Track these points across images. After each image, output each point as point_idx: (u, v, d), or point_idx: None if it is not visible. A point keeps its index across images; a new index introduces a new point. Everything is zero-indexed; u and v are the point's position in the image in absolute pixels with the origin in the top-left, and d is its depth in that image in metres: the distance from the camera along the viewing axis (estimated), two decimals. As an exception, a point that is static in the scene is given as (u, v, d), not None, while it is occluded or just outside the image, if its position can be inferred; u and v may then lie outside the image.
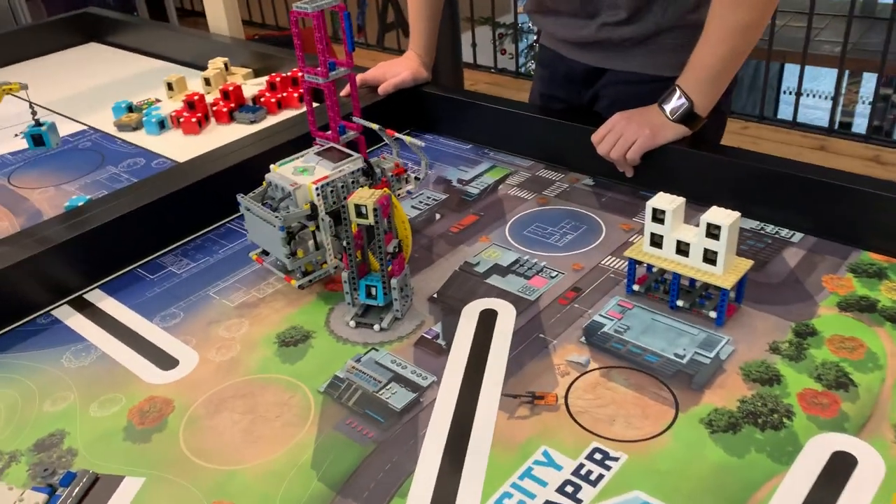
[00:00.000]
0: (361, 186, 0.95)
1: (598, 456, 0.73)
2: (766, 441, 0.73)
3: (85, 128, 1.56)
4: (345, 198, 0.94)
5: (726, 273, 0.86)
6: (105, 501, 0.72)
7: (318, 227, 0.94)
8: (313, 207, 0.92)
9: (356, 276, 0.92)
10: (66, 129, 1.56)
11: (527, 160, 1.30)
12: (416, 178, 1.07)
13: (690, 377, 0.81)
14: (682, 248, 0.88)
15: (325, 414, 0.80)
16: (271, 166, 1.00)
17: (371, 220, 0.87)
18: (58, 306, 1.00)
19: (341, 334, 0.91)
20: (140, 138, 1.49)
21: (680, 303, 0.90)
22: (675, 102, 1.12)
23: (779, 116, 3.48)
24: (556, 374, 0.83)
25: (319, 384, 0.84)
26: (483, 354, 0.86)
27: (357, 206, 0.87)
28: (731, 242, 0.85)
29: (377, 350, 0.88)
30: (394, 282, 0.91)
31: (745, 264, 0.88)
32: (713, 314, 0.88)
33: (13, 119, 1.63)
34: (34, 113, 1.08)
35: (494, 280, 0.99)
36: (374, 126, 1.07)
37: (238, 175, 1.19)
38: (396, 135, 1.06)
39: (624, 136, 1.13)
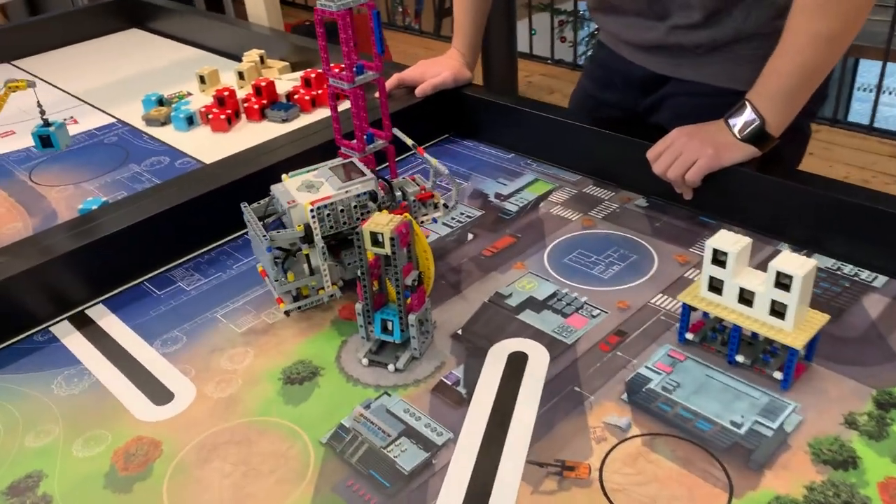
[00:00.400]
0: (369, 211, 0.86)
1: (633, 549, 0.62)
2: (838, 544, 0.61)
3: (113, 121, 1.50)
4: (345, 222, 0.87)
5: (797, 330, 0.74)
6: (73, 563, 0.64)
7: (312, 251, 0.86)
8: (307, 229, 0.83)
9: (371, 309, 0.82)
10: (94, 121, 1.50)
11: (574, 174, 1.19)
12: (445, 206, 0.96)
13: (749, 452, 0.70)
14: (746, 297, 0.76)
15: (325, 471, 0.71)
16: (283, 176, 0.91)
17: (388, 250, 0.77)
18: (57, 322, 0.93)
19: (352, 373, 0.82)
20: (167, 134, 1.42)
21: (740, 358, 0.78)
22: (745, 119, 0.99)
23: (853, 119, 3.26)
24: (590, 439, 0.72)
25: (322, 433, 0.75)
26: (508, 409, 0.76)
27: (373, 234, 0.77)
28: (805, 294, 0.73)
29: (389, 395, 0.79)
30: (412, 318, 0.81)
31: (820, 319, 0.75)
32: (778, 375, 0.76)
33: (49, 108, 1.58)
34: (42, 112, 1.01)
35: (527, 316, 0.88)
36: (409, 141, 0.97)
37: (260, 182, 1.10)
38: (425, 155, 0.96)
39: (684, 154, 1.01)
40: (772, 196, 0.99)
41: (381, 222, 0.77)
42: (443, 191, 1.01)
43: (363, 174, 0.89)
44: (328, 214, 0.85)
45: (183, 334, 0.90)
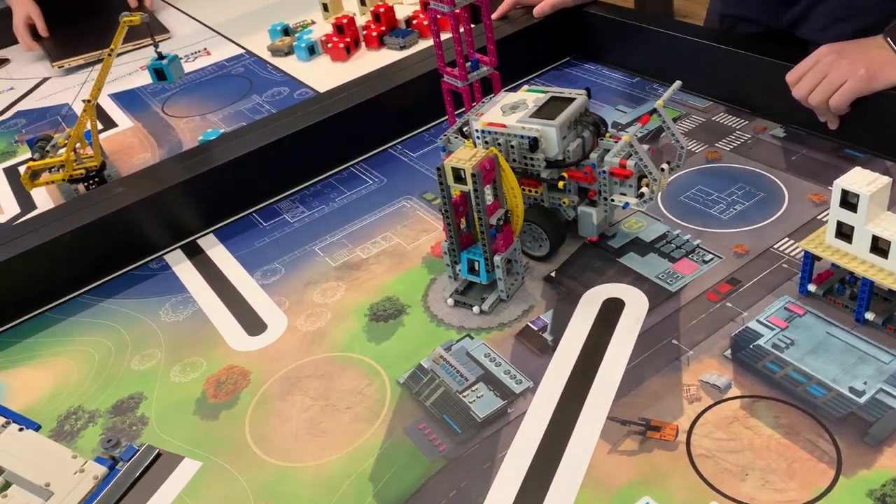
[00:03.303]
0: (531, 158, 0.78)
1: (715, 523, 0.56)
2: (966, 541, 0.52)
3: (242, 52, 1.53)
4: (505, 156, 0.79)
5: (942, 287, 0.63)
6: (160, 482, 0.68)
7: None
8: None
9: (457, 248, 0.79)
10: (224, 52, 1.54)
11: (705, 100, 1.07)
12: (642, 197, 0.77)
13: (867, 425, 0.61)
14: (881, 247, 0.65)
15: (399, 411, 0.70)
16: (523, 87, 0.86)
17: (469, 187, 0.73)
18: (171, 251, 0.98)
19: (437, 313, 0.80)
20: (290, 64, 1.43)
21: (870, 316, 0.68)
22: None
23: None
24: (682, 399, 0.66)
25: (401, 373, 0.73)
26: (596, 359, 0.71)
27: (455, 170, 0.73)
28: (955, 246, 0.61)
29: (472, 338, 0.76)
30: (497, 259, 0.77)
31: (975, 275, 0.63)
32: (916, 338, 0.65)
33: (185, 41, 1.65)
34: (156, 46, 1.04)
35: (630, 260, 0.82)
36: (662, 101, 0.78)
37: (367, 111, 1.09)
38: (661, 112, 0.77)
39: (830, 75, 0.87)
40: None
41: (464, 157, 0.73)
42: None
43: (550, 119, 0.77)
44: (486, 143, 0.80)
45: (282, 266, 0.91)
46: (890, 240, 0.64)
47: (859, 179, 0.65)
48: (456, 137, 0.84)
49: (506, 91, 0.86)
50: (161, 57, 1.02)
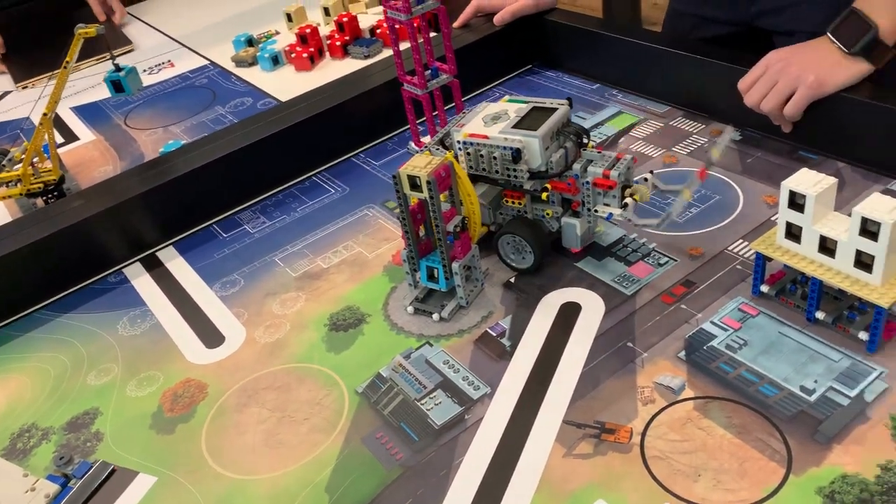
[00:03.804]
0: (513, 169, 0.77)
1: (667, 524, 0.56)
2: (911, 535, 0.53)
3: (206, 63, 1.53)
4: (483, 168, 0.79)
5: (886, 284, 0.64)
6: (114, 499, 0.67)
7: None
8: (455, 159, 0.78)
9: (416, 256, 0.79)
10: (189, 64, 1.53)
11: (662, 105, 1.09)
12: (625, 208, 0.75)
13: (817, 423, 0.61)
14: (828, 247, 0.66)
15: (357, 421, 0.69)
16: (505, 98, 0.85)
17: (425, 195, 0.73)
18: (130, 264, 0.97)
19: (397, 321, 0.80)
20: (253, 75, 1.43)
21: (820, 315, 0.69)
22: (852, 29, 0.85)
23: None
24: (637, 401, 0.66)
25: (360, 382, 0.73)
26: (552, 363, 0.71)
27: (410, 177, 0.73)
28: (898, 244, 0.62)
29: (431, 345, 0.76)
30: (456, 265, 0.77)
31: (919, 272, 0.64)
32: (864, 335, 0.66)
33: (150, 52, 1.64)
34: (112, 58, 1.03)
35: (587, 264, 0.82)
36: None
37: (330, 120, 1.09)
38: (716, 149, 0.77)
39: (780, 82, 0.88)
40: (884, 125, 0.86)
41: (419, 164, 0.73)
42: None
43: (533, 130, 0.76)
44: (468, 154, 0.79)
45: (241, 277, 0.90)
46: (836, 239, 0.65)
47: (806, 181, 0.66)
48: (437, 149, 0.83)
49: (487, 102, 0.85)
50: (118, 69, 1.01)
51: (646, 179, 0.77)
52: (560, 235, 0.82)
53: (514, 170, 0.77)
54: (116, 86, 1.01)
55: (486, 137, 0.77)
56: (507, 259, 0.83)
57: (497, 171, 0.78)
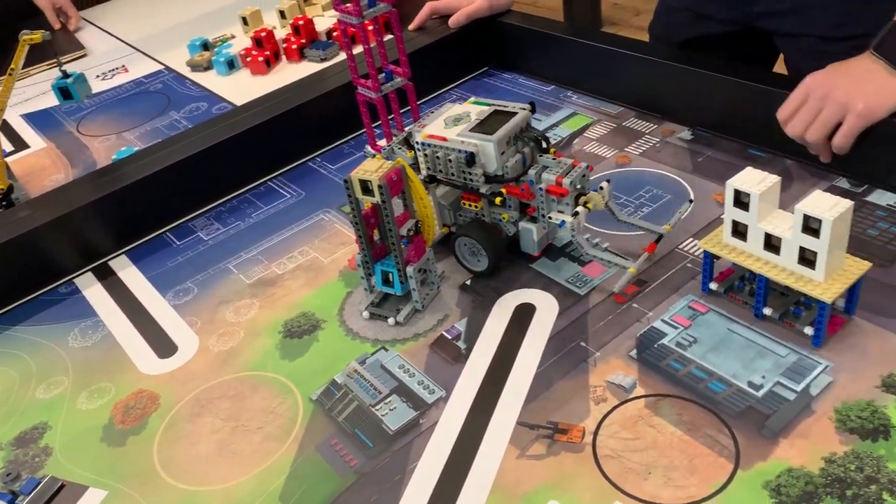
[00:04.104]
0: (469, 173, 0.77)
1: (618, 522, 0.57)
2: (854, 525, 0.54)
3: (161, 68, 1.51)
4: (440, 169, 0.78)
5: (829, 280, 0.65)
6: (63, 515, 0.65)
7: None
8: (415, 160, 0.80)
9: (371, 260, 0.78)
10: (143, 69, 1.51)
11: (616, 106, 1.10)
12: (575, 216, 0.75)
13: (764, 418, 0.62)
14: (773, 244, 0.67)
15: (311, 429, 0.69)
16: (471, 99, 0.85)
17: (377, 199, 0.72)
18: (81, 274, 0.95)
19: (353, 326, 0.79)
20: (209, 79, 1.41)
21: (768, 311, 0.70)
22: None
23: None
24: (589, 400, 0.67)
25: (315, 388, 0.73)
26: (507, 365, 0.71)
27: (362, 182, 0.73)
28: (839, 240, 0.64)
29: (387, 350, 0.76)
30: (410, 269, 0.77)
31: (860, 267, 0.66)
32: (809, 330, 0.68)
33: (103, 57, 1.61)
34: (60, 64, 1.01)
35: (542, 265, 0.82)
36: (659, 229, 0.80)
37: (285, 124, 1.08)
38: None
39: (825, 111, 0.80)
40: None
41: (371, 168, 0.73)
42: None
43: (489, 134, 0.75)
44: (426, 155, 0.78)
45: (195, 285, 0.89)
46: (781, 236, 0.66)
47: (750, 179, 0.67)
48: (399, 148, 0.83)
49: (451, 103, 0.84)
50: (66, 75, 0.99)
51: (601, 188, 0.77)
52: (518, 239, 0.82)
53: (470, 173, 0.77)
54: (64, 92, 0.99)
55: (444, 139, 0.77)
56: (463, 261, 0.83)
57: (453, 174, 0.78)
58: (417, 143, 0.79)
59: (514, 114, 0.78)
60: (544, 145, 0.78)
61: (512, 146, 0.77)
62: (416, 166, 0.80)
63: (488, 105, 0.81)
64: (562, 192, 0.74)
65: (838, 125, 0.80)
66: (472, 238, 0.80)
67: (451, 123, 0.79)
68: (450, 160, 0.77)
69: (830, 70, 0.82)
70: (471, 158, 0.76)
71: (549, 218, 0.77)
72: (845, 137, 0.80)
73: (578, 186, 0.75)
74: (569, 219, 0.75)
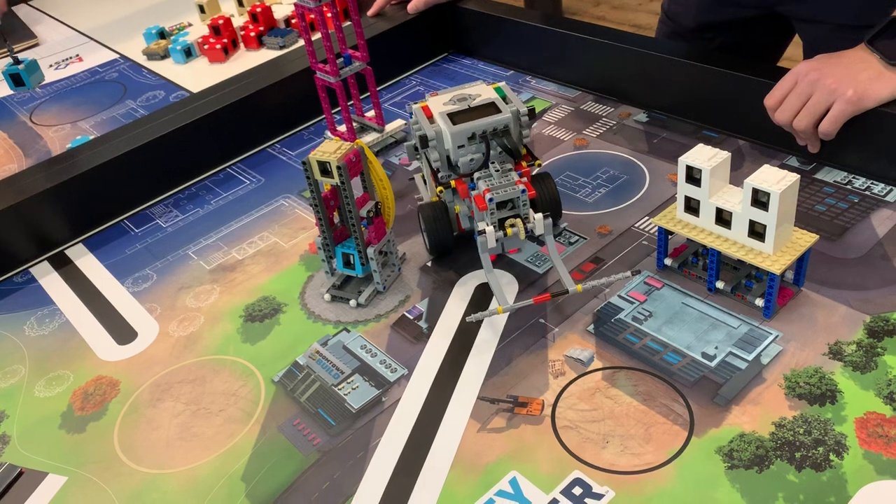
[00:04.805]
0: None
1: (577, 490, 0.58)
2: (802, 485, 0.56)
3: (116, 57, 1.48)
4: (416, 147, 0.79)
5: (778, 252, 0.67)
6: (22, 501, 0.65)
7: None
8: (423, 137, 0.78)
9: (331, 243, 0.79)
10: (98, 58, 1.48)
11: (574, 90, 1.11)
12: (482, 234, 0.71)
13: (718, 387, 0.64)
14: (724, 218, 0.69)
15: (273, 410, 0.69)
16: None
17: (336, 180, 0.73)
18: (37, 263, 0.94)
19: (314, 309, 0.79)
20: (166, 68, 1.39)
21: (720, 284, 0.72)
22: (894, 39, 0.79)
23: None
24: (548, 374, 0.68)
25: (277, 371, 0.73)
26: (467, 343, 0.72)
27: (321, 163, 0.73)
28: (787, 213, 0.66)
29: (349, 331, 0.76)
30: (370, 251, 0.77)
31: (807, 240, 0.68)
32: (760, 302, 0.70)
33: (56, 47, 1.58)
34: (11, 50, 0.99)
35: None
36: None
37: (243, 111, 1.07)
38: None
39: (814, 97, 0.80)
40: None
41: (329, 150, 0.73)
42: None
43: (454, 124, 0.75)
44: (412, 125, 0.79)
45: (154, 272, 0.89)
46: (731, 211, 0.68)
47: (701, 155, 0.69)
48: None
49: (484, 82, 0.83)
50: (17, 62, 0.97)
51: (532, 219, 0.72)
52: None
53: (427, 154, 0.78)
54: (15, 79, 0.98)
55: (429, 116, 0.78)
56: (423, 235, 0.82)
57: (422, 151, 0.79)
58: (411, 109, 0.80)
59: (497, 112, 0.76)
60: (514, 159, 0.76)
61: (476, 143, 0.75)
62: None
63: (503, 95, 0.79)
64: (480, 205, 0.72)
65: (825, 113, 0.80)
66: (421, 215, 0.81)
67: (453, 101, 0.79)
68: (418, 136, 0.77)
69: (822, 58, 0.82)
70: (423, 140, 0.76)
71: (476, 225, 0.73)
72: (832, 122, 0.79)
73: (506, 207, 0.72)
74: (485, 232, 0.71)
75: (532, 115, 0.77)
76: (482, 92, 0.80)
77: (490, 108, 0.77)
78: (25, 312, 0.86)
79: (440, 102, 0.79)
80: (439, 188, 0.77)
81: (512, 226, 0.72)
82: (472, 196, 0.74)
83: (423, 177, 0.89)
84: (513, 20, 1.18)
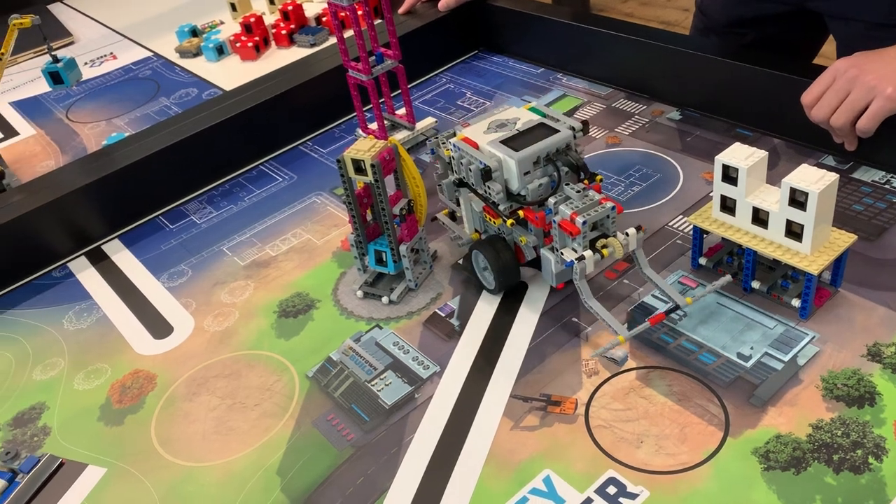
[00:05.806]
0: (486, 188, 0.71)
1: (611, 489, 0.58)
2: (840, 488, 0.55)
3: (150, 55, 1.50)
4: (463, 176, 0.74)
5: (815, 252, 0.66)
6: (63, 491, 0.66)
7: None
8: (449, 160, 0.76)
9: (364, 240, 0.79)
10: (132, 56, 1.51)
11: (605, 87, 1.10)
12: (580, 260, 0.67)
13: (753, 388, 0.64)
14: (761, 218, 0.68)
15: (308, 405, 0.70)
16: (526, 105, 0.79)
17: (370, 178, 0.73)
18: (75, 258, 0.95)
19: (347, 305, 0.80)
20: (198, 65, 1.41)
21: (756, 285, 0.71)
22: None
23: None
24: (581, 373, 0.68)
25: (311, 366, 0.74)
26: (500, 340, 0.72)
27: (355, 161, 0.73)
28: (825, 213, 0.65)
29: (381, 328, 0.77)
30: (403, 248, 0.77)
31: (846, 240, 0.67)
32: (797, 303, 0.69)
33: (91, 45, 1.61)
34: (50, 49, 1.01)
35: (534, 243, 0.83)
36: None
37: (275, 108, 1.08)
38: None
39: (853, 94, 0.79)
40: (815, 102, 0.88)
41: (363, 148, 0.73)
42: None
43: (516, 150, 0.70)
44: (453, 158, 0.75)
45: (189, 268, 0.90)
46: (768, 210, 0.67)
47: (738, 154, 0.68)
48: (443, 144, 0.78)
49: (508, 105, 0.79)
50: (56, 60, 0.99)
51: (627, 234, 0.68)
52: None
53: (488, 187, 0.71)
54: (54, 77, 0.99)
55: (475, 146, 0.72)
56: (478, 273, 0.78)
57: (473, 183, 0.73)
58: (452, 143, 0.75)
59: (556, 132, 0.71)
60: (581, 175, 0.71)
61: (540, 167, 0.70)
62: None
63: (543, 115, 0.76)
64: (573, 230, 0.67)
65: (864, 110, 0.78)
66: (483, 254, 0.75)
67: (494, 128, 0.74)
68: (471, 169, 0.72)
69: (861, 55, 0.81)
70: (487, 173, 0.70)
71: (562, 254, 0.69)
72: (871, 119, 0.78)
73: (597, 229, 0.68)
74: (575, 259, 0.67)
75: (586, 127, 0.73)
76: (518, 115, 0.76)
77: (543, 128, 0.72)
78: (65, 306, 0.88)
79: (480, 132, 0.74)
80: (510, 221, 0.71)
81: (604, 246, 0.68)
82: (557, 223, 0.68)
83: (449, 214, 0.84)
84: (542, 17, 1.17)
